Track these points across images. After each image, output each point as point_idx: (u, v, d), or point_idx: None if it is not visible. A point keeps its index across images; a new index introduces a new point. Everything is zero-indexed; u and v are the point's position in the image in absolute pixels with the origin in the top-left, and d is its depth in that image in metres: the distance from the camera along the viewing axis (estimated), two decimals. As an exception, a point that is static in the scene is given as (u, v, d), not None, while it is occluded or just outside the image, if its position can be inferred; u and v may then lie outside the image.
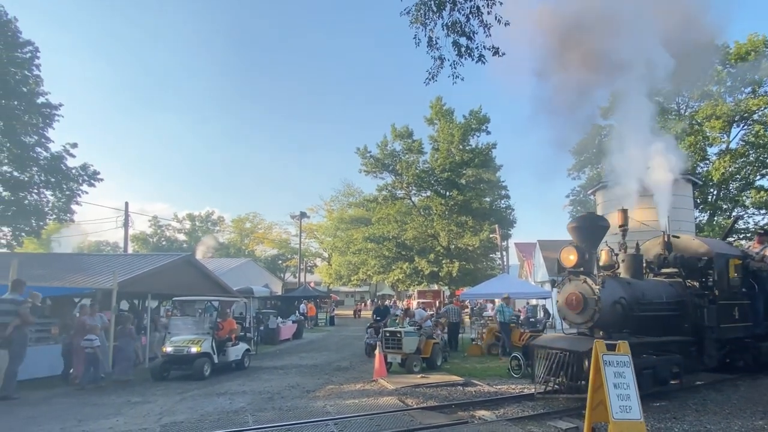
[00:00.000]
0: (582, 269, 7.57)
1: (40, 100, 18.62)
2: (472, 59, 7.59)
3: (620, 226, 8.69)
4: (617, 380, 5.64)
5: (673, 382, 7.64)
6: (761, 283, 9.49)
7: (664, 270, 9.24)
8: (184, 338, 11.15)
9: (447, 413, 6.92)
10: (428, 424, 6.18)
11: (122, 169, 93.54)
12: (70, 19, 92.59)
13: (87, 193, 20.33)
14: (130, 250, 32.13)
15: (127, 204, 27.15)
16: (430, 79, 7.73)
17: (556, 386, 7.44)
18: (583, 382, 6.80)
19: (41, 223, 19.65)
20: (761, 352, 9.40)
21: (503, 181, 36.42)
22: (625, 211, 8.75)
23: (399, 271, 34.20)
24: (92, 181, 20.12)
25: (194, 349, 10.75)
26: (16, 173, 18.21)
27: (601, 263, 8.12)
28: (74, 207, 20.25)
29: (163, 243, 54.12)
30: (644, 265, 9.04)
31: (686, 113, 26.31)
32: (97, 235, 50.46)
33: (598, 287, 7.31)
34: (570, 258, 7.59)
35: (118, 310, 12.45)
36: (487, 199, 35.48)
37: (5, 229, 18.77)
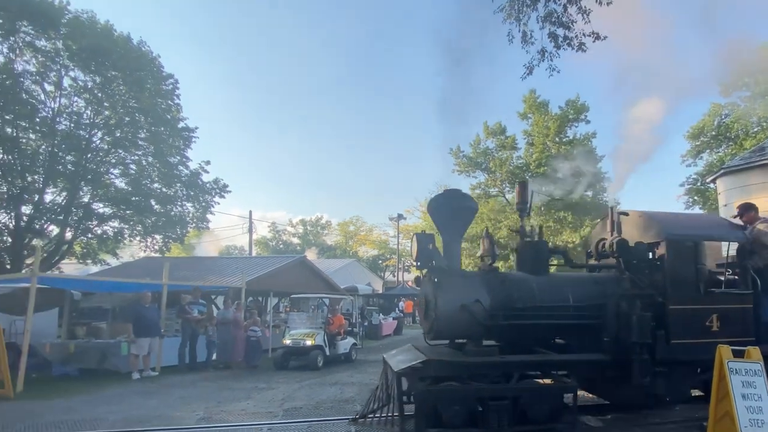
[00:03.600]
0: (432, 263, 5.82)
1: (181, 125, 21.84)
2: (572, 48, 7.20)
3: (517, 204, 6.87)
4: (746, 390, 5.09)
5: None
6: (766, 278, 6.32)
7: (605, 261, 6.80)
8: (300, 331, 12.24)
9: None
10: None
11: (247, 181, 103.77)
12: (210, 49, 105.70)
13: (218, 203, 23.24)
14: (253, 253, 36.07)
15: (251, 212, 30.96)
16: (527, 74, 7.47)
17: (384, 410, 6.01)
18: (396, 415, 5.59)
19: (184, 231, 23.00)
20: None
21: (605, 173, 33.43)
22: (523, 184, 6.83)
23: (494, 270, 33.23)
24: (222, 193, 22.95)
25: (309, 342, 11.71)
26: (164, 189, 21.59)
27: (479, 254, 6.62)
28: (208, 216, 23.31)
29: (281, 246, 59.62)
30: (585, 253, 7.17)
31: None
32: (227, 240, 57.68)
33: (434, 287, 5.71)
34: (414, 249, 5.86)
35: (246, 305, 14.29)
36: (588, 192, 32.84)
37: (157, 237, 22.29)
